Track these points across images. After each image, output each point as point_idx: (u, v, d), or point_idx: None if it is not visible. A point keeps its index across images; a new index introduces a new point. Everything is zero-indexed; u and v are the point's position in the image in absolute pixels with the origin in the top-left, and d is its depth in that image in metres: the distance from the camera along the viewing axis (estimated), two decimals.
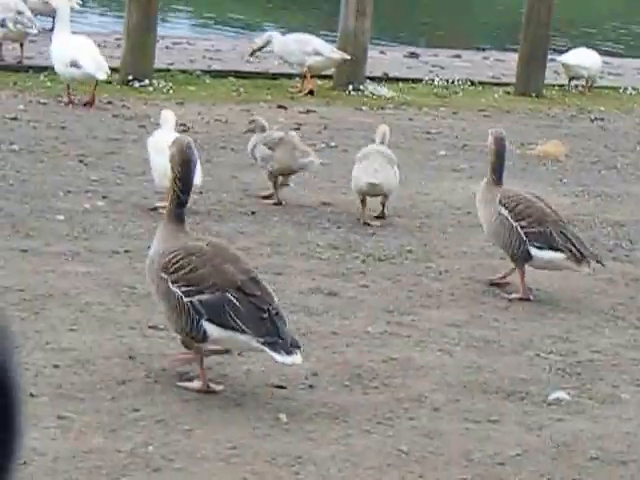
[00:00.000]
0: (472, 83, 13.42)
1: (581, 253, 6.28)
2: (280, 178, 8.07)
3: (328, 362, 5.36)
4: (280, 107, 11.32)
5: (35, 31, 11.78)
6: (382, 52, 15.12)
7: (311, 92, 11.98)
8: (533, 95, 13.08)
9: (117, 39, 12.93)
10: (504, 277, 6.63)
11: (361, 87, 12.34)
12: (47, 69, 11.22)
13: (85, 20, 16.66)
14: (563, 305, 6.55)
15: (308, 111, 11.21)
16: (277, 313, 4.79)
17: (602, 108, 12.99)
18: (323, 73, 12.35)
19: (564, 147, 10.48)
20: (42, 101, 10.51)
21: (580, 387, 5.37)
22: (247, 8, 21.08)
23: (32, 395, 4.70)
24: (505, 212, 6.37)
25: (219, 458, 4.37)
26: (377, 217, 7.84)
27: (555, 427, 4.92)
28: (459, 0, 23.79)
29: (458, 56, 15.61)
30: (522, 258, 6.37)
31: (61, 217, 7.20)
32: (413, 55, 15.22)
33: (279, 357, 4.74)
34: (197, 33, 16.97)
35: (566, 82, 13.83)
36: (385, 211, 7.85)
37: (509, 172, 9.59)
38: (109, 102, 10.71)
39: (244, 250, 6.92)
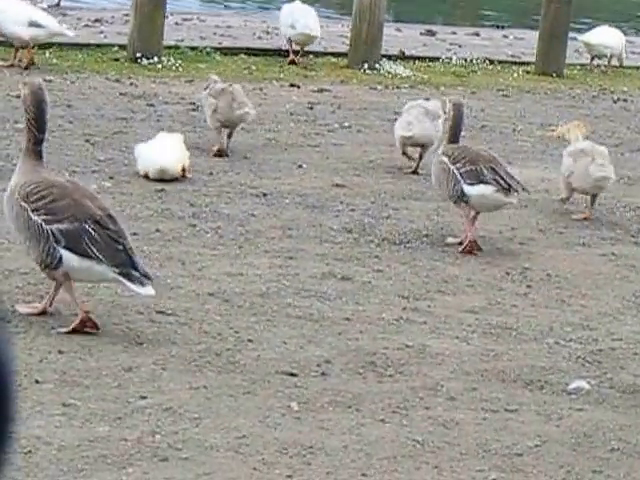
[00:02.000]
0: (491, 62, 13.21)
1: (508, 184, 6.77)
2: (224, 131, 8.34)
3: (341, 349, 5.25)
4: (292, 86, 11.15)
5: (44, 6, 11.65)
6: (398, 29, 14.92)
7: (293, 62, 11.91)
8: (554, 75, 12.86)
9: (125, 15, 12.77)
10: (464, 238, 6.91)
11: (376, 66, 12.15)
12: (53, 46, 11.08)
13: None
14: (583, 291, 6.41)
15: (321, 90, 11.03)
16: (130, 248, 5.11)
17: (625, 88, 12.77)
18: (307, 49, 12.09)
19: (585, 128, 10.28)
20: (48, 78, 10.35)
21: (601, 376, 5.27)
22: None
23: (37, 381, 4.64)
24: (445, 159, 6.98)
25: (228, 448, 4.28)
26: (413, 172, 8.42)
27: (575, 417, 4.82)
28: None
29: (477, 34, 15.39)
30: (458, 197, 6.87)
31: None
32: (430, 33, 15.01)
33: (134, 287, 5.01)
34: (207, 9, 16.79)
35: (588, 61, 13.60)
36: (420, 162, 8.40)
37: (529, 154, 9.45)
38: (117, 80, 10.56)
39: (256, 233, 6.80)
